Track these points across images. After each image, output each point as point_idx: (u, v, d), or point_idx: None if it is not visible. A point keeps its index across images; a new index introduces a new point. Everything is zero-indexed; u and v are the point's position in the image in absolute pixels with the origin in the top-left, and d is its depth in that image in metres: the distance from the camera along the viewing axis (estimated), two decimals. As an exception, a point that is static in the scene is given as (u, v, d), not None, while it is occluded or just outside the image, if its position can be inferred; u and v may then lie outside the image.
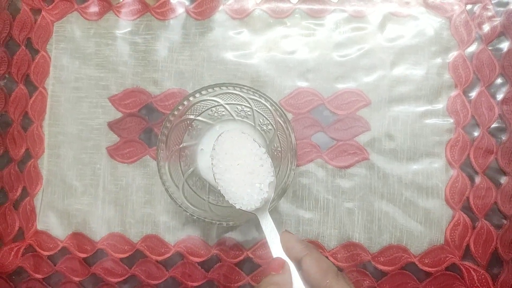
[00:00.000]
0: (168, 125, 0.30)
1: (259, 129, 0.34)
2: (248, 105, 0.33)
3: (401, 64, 0.36)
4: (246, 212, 0.27)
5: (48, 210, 0.38)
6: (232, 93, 0.32)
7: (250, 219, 0.30)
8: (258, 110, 0.33)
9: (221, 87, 0.30)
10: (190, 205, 0.31)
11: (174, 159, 0.33)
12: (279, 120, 0.31)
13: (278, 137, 0.33)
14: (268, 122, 0.33)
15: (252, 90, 0.30)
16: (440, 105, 0.36)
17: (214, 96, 0.32)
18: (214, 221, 0.30)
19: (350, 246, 0.35)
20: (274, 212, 0.36)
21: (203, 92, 0.30)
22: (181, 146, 0.33)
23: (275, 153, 0.33)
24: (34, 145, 0.39)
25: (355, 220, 0.36)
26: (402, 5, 0.37)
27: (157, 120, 0.38)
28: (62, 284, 0.38)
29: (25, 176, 0.38)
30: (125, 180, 0.37)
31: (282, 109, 0.30)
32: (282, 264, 0.25)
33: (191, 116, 0.33)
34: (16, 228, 0.38)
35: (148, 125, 0.38)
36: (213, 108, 0.33)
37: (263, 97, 0.30)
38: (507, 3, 0.36)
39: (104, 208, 0.37)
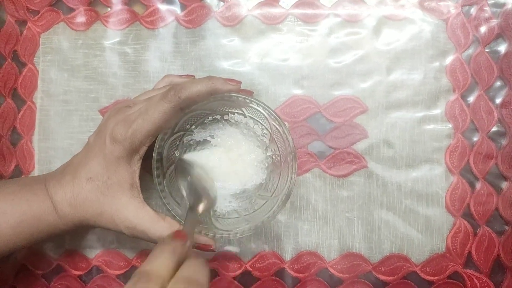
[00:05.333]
0: (161, 143, 0.30)
1: (254, 135, 0.33)
2: (240, 112, 0.32)
3: (398, 69, 0.35)
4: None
5: (40, 227, 0.37)
6: (222, 102, 0.31)
7: (257, 229, 0.30)
8: (251, 116, 0.32)
9: (210, 98, 0.29)
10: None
11: (172, 175, 0.32)
12: (274, 123, 0.31)
13: (275, 141, 0.32)
14: (263, 126, 0.32)
15: (241, 96, 0.29)
16: (438, 110, 0.35)
17: (204, 107, 0.31)
18: (218, 235, 0.30)
19: (350, 257, 0.35)
20: (273, 224, 0.35)
21: (195, 106, 0.29)
22: (177, 161, 0.32)
23: (274, 158, 0.32)
24: (24, 161, 0.38)
25: (354, 229, 0.35)
26: (397, 8, 0.36)
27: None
28: (57, 303, 0.37)
29: (16, 193, 0.37)
30: (118, 195, 0.37)
31: (275, 112, 0.30)
32: (185, 235, 0.24)
33: (183, 130, 0.32)
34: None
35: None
36: (205, 120, 0.33)
37: (254, 102, 0.30)
38: (503, 4, 0.35)
39: (98, 224, 0.37)
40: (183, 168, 0.31)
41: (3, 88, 0.38)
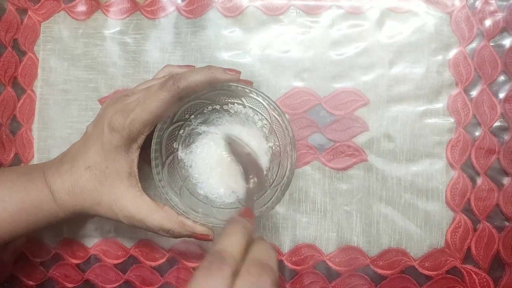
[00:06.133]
0: (160, 132, 0.29)
1: (255, 126, 0.33)
2: (240, 102, 0.32)
3: (400, 62, 0.35)
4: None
5: (39, 216, 0.37)
6: (222, 91, 0.31)
7: (256, 219, 0.29)
8: (251, 106, 0.32)
9: (209, 88, 0.29)
10: (192, 211, 0.30)
11: (171, 165, 0.32)
12: (273, 113, 0.30)
13: (274, 131, 0.32)
14: (263, 117, 0.32)
15: (241, 86, 0.29)
16: (440, 104, 0.35)
17: (204, 97, 0.31)
18: (216, 225, 0.30)
19: (348, 250, 0.35)
20: (271, 216, 0.35)
21: (193, 95, 0.29)
22: (175, 152, 0.32)
23: (274, 148, 0.32)
24: (24, 149, 0.38)
25: (353, 223, 0.35)
26: (401, 0, 0.35)
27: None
28: (55, 291, 0.37)
29: (15, 182, 0.37)
30: (117, 185, 0.37)
31: (274, 102, 0.29)
32: (252, 214, 0.25)
33: (182, 120, 0.32)
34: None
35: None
36: (205, 110, 0.32)
37: (254, 92, 0.29)
38: (509, -3, 0.35)
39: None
40: (235, 146, 0.31)
41: (3, 77, 0.38)
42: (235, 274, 0.20)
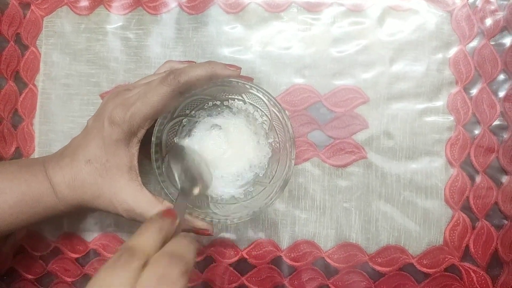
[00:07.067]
0: (160, 127, 0.30)
1: (254, 121, 0.33)
2: (240, 98, 0.32)
3: (401, 60, 0.35)
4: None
5: (39, 209, 0.37)
6: (222, 87, 0.31)
7: (254, 215, 0.30)
8: (251, 102, 0.32)
9: (210, 84, 0.29)
10: (191, 205, 0.31)
11: (171, 160, 0.32)
12: (274, 110, 0.31)
13: (274, 128, 0.32)
14: (263, 113, 0.32)
15: (241, 81, 0.29)
16: (440, 102, 0.35)
17: (204, 93, 0.31)
18: (215, 220, 0.30)
19: (347, 247, 0.35)
20: (270, 212, 0.35)
21: (194, 91, 0.29)
22: (172, 145, 0.32)
23: (274, 145, 0.32)
24: (25, 143, 0.38)
25: (352, 220, 0.35)
26: (402, -2, 0.35)
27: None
28: (54, 285, 0.37)
29: (16, 175, 0.38)
30: (117, 179, 0.37)
31: (275, 98, 0.29)
32: (175, 214, 0.24)
33: (182, 115, 0.32)
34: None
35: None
36: (205, 105, 0.32)
37: (254, 88, 0.30)
38: (510, -3, 0.35)
39: (96, 208, 0.37)
40: (177, 152, 0.31)
41: (6, 71, 0.38)
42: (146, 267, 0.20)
